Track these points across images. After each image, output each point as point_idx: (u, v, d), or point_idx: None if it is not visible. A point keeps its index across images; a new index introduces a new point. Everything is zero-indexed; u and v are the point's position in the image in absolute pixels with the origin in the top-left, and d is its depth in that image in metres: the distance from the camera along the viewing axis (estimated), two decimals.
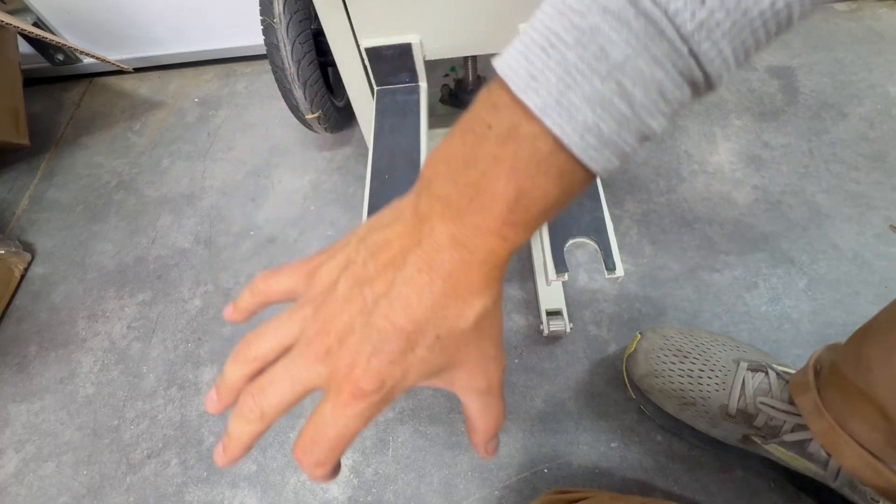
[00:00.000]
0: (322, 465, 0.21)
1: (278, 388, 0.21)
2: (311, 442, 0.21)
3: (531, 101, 0.17)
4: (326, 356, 0.20)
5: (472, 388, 0.23)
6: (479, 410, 0.23)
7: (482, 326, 0.21)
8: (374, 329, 0.20)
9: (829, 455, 0.41)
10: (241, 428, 0.21)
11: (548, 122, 0.17)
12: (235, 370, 0.22)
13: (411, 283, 0.20)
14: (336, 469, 0.23)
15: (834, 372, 0.37)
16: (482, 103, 0.19)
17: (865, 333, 0.35)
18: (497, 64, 0.18)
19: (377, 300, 0.20)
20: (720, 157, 0.71)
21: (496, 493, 0.51)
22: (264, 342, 0.22)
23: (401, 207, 0.22)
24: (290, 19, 0.57)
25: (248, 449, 0.22)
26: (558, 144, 0.17)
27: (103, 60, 0.80)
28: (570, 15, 0.16)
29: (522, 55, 0.17)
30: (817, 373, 0.40)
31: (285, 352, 0.22)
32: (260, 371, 0.22)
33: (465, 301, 0.20)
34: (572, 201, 0.20)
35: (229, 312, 0.26)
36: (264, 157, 0.81)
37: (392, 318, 0.20)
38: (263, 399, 0.21)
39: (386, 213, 0.22)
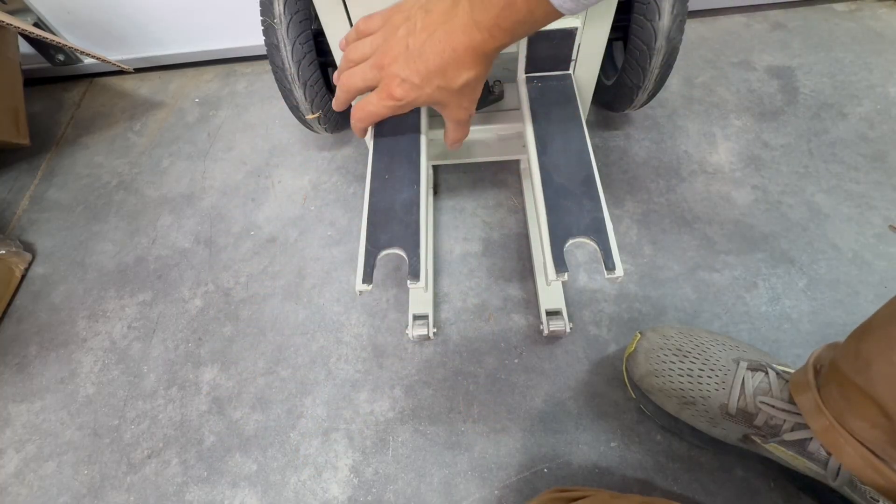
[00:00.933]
0: (361, 122, 0.43)
1: (356, 78, 0.40)
2: (360, 108, 0.42)
3: None
4: (381, 69, 0.38)
5: (451, 117, 0.42)
6: (452, 129, 0.44)
7: (464, 89, 0.38)
8: (407, 66, 0.36)
9: (829, 454, 0.41)
10: (340, 95, 0.43)
11: None
12: (342, 66, 0.42)
13: (434, 47, 0.35)
14: (366, 131, 0.46)
15: (834, 370, 0.37)
16: None
17: (865, 331, 0.35)
18: None
19: (413, 49, 0.36)
20: (720, 157, 0.71)
21: (496, 492, 0.51)
22: (356, 52, 0.40)
23: None
24: (290, 20, 0.57)
25: (345, 105, 0.44)
26: None
27: (104, 61, 0.80)
28: None
29: None
30: (817, 371, 0.40)
31: (364, 59, 0.40)
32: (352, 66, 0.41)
33: (458, 71, 0.36)
34: (537, 25, 0.33)
35: (341, 45, 0.44)
36: (264, 157, 0.81)
37: (417, 65, 0.36)
38: (350, 82, 0.41)
39: None
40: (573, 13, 0.31)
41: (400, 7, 0.38)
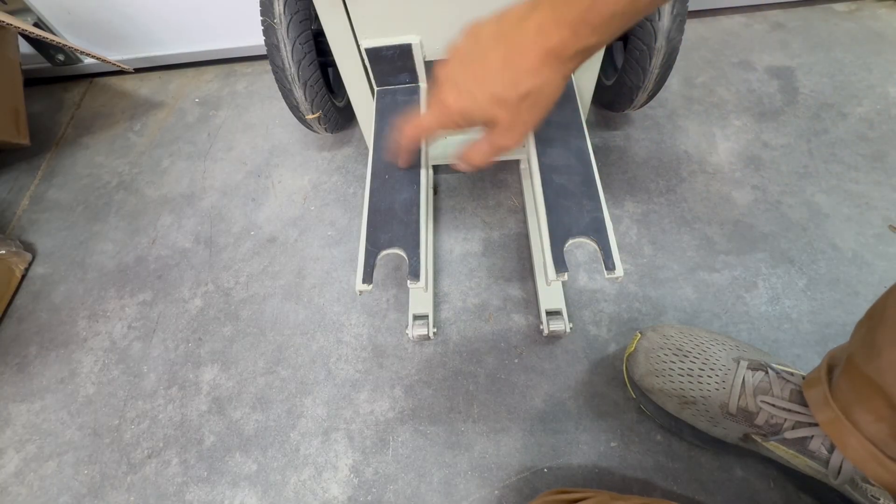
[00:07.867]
0: (408, 137, 0.39)
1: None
2: (411, 122, 0.38)
3: None
4: (440, 80, 0.34)
5: (497, 138, 0.34)
6: (479, 149, 0.36)
7: (525, 102, 0.30)
8: (464, 70, 0.32)
9: (830, 452, 0.41)
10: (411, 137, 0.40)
11: None
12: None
13: (498, 50, 0.30)
14: (411, 157, 0.46)
15: (849, 362, 0.37)
16: None
17: (879, 320, 0.34)
18: None
19: (475, 53, 0.31)
20: (720, 158, 0.71)
21: (496, 492, 0.51)
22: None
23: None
24: (290, 20, 0.57)
25: (411, 142, 0.41)
26: None
27: (104, 61, 0.80)
28: None
29: None
30: (830, 369, 0.40)
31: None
32: None
33: (522, 76, 0.29)
34: (637, 17, 0.27)
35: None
36: (264, 157, 0.81)
37: (474, 69, 0.31)
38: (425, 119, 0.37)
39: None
40: None
41: (476, 20, 0.33)
